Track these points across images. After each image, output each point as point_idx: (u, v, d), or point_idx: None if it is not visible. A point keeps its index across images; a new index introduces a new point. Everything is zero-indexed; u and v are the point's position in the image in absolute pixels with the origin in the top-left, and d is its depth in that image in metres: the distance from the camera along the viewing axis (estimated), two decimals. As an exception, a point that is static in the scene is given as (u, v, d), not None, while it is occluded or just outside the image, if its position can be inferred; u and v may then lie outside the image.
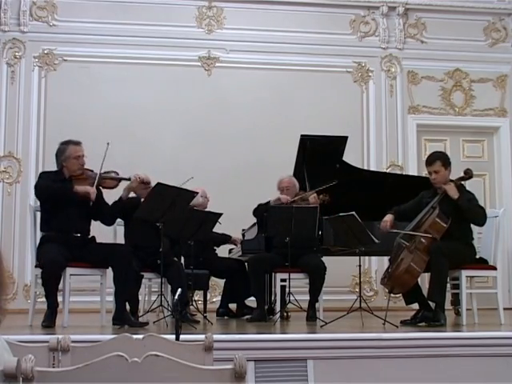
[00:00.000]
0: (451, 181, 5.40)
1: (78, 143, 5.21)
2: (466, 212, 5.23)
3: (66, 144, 5.21)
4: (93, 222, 5.32)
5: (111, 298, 5.06)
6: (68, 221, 5.05)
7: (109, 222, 5.44)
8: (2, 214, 7.80)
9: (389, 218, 5.45)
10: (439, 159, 5.39)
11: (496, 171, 8.81)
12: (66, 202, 5.04)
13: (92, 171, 5.24)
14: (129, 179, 5.34)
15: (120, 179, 5.34)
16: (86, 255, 5.06)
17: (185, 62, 8.27)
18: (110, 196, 5.39)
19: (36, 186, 5.22)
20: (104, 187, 5.30)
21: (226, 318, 6.43)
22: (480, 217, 5.29)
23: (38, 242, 5.17)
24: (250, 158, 8.12)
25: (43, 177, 5.22)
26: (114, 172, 5.41)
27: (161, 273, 5.33)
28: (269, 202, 6.11)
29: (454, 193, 5.25)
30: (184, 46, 8.25)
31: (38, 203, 5.26)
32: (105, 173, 5.27)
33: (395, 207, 5.57)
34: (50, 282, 4.87)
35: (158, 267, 5.41)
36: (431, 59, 8.67)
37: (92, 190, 5.06)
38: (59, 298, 5.12)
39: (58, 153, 5.21)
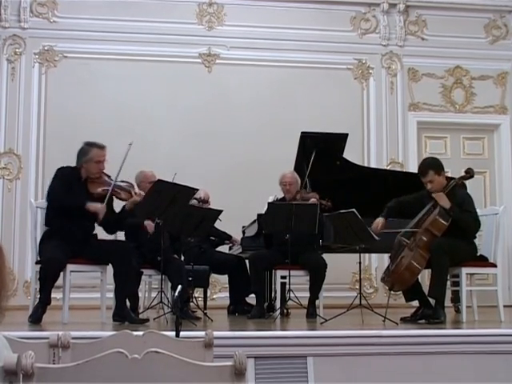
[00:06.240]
0: (448, 181, 5.38)
1: (102, 147, 5.13)
2: (458, 223, 5.20)
3: (90, 146, 5.13)
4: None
5: (111, 295, 5.06)
6: (74, 221, 4.99)
7: (111, 230, 5.38)
8: (3, 211, 7.79)
9: (380, 221, 5.41)
10: (431, 168, 5.32)
11: (496, 168, 8.80)
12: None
13: (109, 177, 5.15)
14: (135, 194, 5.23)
15: (132, 194, 5.19)
16: (87, 251, 5.05)
17: (185, 58, 8.25)
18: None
19: (49, 191, 5.10)
20: (116, 197, 5.22)
21: (236, 315, 6.35)
22: (470, 229, 5.27)
23: (38, 238, 5.15)
24: (251, 154, 8.11)
25: (58, 176, 5.09)
26: (129, 183, 5.31)
27: (161, 269, 5.34)
28: (283, 198, 6.15)
29: (444, 203, 5.22)
30: (184, 42, 8.24)
31: (39, 200, 5.23)
32: (121, 181, 5.19)
33: (395, 199, 5.53)
34: (47, 280, 4.85)
35: (158, 264, 5.42)
36: (432, 56, 8.65)
37: (102, 211, 4.99)
38: (59, 295, 5.12)
39: (81, 152, 5.12)
